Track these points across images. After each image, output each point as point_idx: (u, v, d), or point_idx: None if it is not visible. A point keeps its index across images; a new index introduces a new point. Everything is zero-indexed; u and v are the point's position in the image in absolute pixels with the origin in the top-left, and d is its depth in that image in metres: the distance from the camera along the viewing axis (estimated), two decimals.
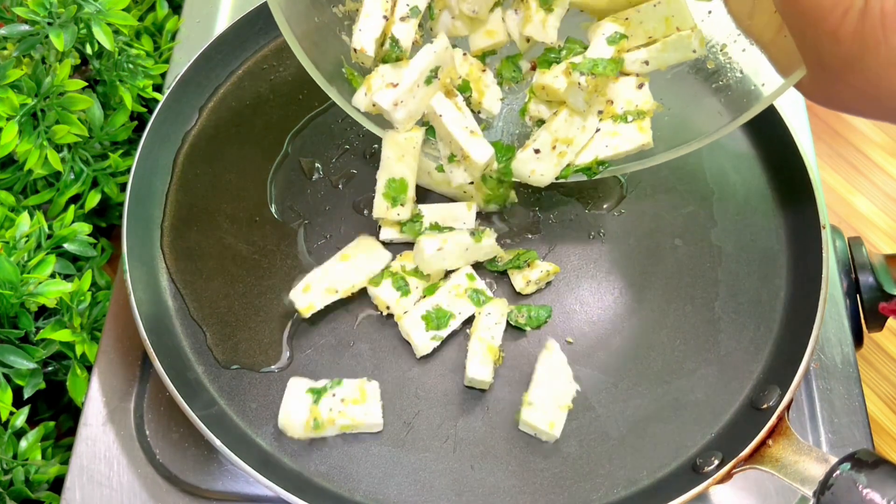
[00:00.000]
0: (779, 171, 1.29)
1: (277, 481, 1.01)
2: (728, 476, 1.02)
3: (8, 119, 1.19)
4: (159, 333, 1.14)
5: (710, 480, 1.01)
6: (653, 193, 1.29)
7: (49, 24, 1.20)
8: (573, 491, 1.07)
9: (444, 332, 1.12)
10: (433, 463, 1.08)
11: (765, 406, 1.08)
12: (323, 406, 1.06)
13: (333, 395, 1.07)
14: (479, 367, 1.08)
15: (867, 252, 1.33)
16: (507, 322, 1.15)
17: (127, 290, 1.12)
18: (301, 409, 1.06)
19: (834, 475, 0.93)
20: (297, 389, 1.07)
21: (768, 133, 1.31)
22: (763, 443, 1.03)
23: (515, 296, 1.19)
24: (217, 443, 1.02)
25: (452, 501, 1.06)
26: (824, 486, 0.94)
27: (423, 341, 1.11)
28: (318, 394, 1.07)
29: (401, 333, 1.14)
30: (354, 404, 1.07)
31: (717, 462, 1.04)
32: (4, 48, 1.23)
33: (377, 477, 1.07)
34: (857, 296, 1.30)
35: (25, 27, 1.21)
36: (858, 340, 1.28)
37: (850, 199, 1.73)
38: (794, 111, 1.44)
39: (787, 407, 1.06)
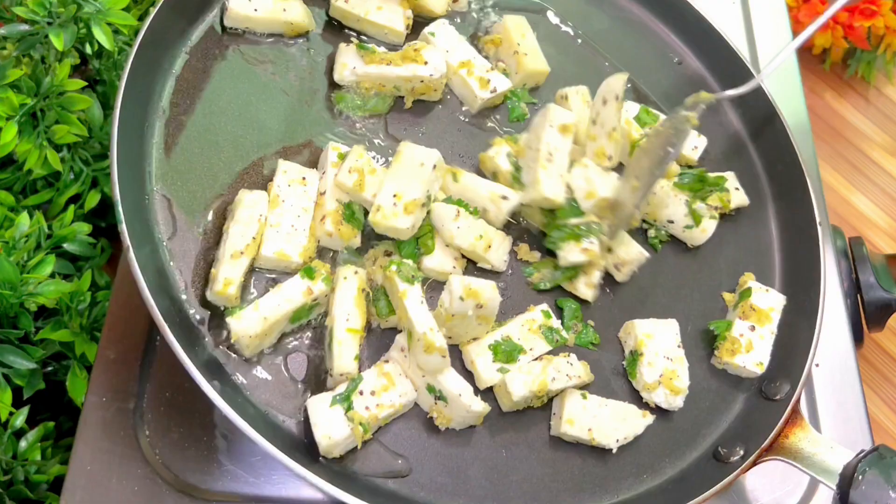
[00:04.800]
0: (775, 168, 1.30)
1: (305, 464, 0.95)
2: (752, 465, 1.04)
3: (8, 119, 1.19)
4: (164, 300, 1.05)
5: (738, 471, 1.02)
6: None
7: (49, 23, 1.20)
8: (602, 480, 1.07)
9: (513, 367, 1.07)
10: (464, 449, 1.06)
11: (777, 397, 1.09)
12: (359, 407, 0.99)
13: (361, 392, 1.00)
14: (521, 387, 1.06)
15: (868, 252, 1.33)
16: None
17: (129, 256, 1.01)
18: (338, 423, 0.98)
19: (858, 470, 0.94)
20: (321, 407, 0.99)
21: (767, 133, 1.31)
22: (781, 433, 1.04)
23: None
24: (241, 423, 0.94)
25: (485, 489, 1.05)
26: (849, 481, 0.95)
27: (489, 373, 1.06)
28: (346, 400, 1.00)
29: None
30: (386, 391, 1.01)
31: (742, 452, 1.05)
32: (4, 48, 1.23)
33: (409, 461, 1.05)
34: (858, 295, 1.30)
35: (25, 27, 1.21)
36: (859, 340, 1.28)
37: (851, 198, 1.73)
38: (795, 111, 1.45)
39: (798, 400, 1.07)
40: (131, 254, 1.00)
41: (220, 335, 1.05)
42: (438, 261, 1.11)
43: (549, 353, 1.10)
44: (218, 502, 1.10)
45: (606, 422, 1.06)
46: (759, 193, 1.29)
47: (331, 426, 0.98)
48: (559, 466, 1.07)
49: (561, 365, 1.07)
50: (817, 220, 1.21)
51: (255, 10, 1.21)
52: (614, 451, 1.07)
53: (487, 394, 1.09)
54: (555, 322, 1.12)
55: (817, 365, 1.23)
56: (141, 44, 1.11)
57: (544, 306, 1.13)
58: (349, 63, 1.20)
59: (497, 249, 1.13)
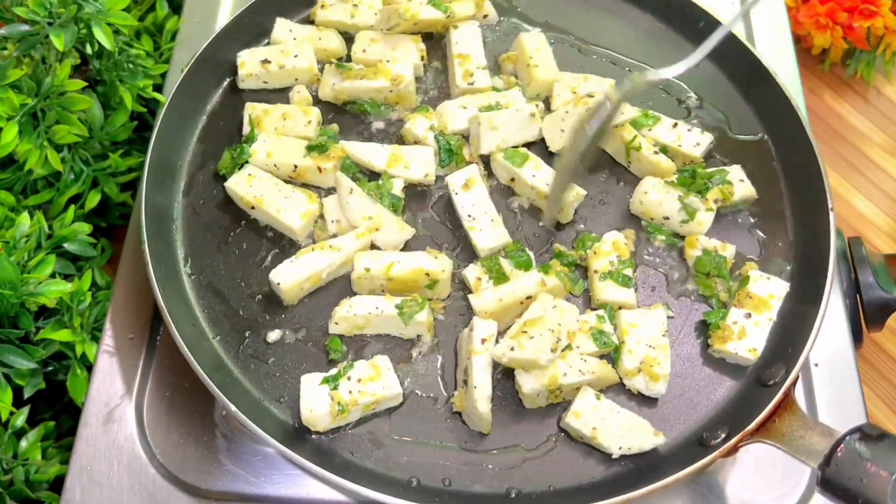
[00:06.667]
0: (790, 159, 1.31)
1: (298, 451, 1.01)
2: (734, 449, 1.04)
3: (8, 119, 1.19)
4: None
5: (716, 453, 1.02)
6: None
7: (49, 24, 1.20)
8: (580, 462, 1.08)
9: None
10: (441, 433, 1.09)
11: (771, 383, 1.09)
12: (342, 390, 1.07)
13: (349, 377, 1.08)
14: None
15: (867, 252, 1.33)
16: None
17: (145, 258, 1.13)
18: (321, 400, 1.07)
19: (839, 449, 0.94)
20: (312, 383, 1.08)
21: (780, 121, 1.32)
22: (770, 417, 1.04)
23: None
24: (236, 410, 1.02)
25: (460, 471, 1.06)
26: (829, 459, 0.94)
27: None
28: (334, 380, 1.08)
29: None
30: (371, 381, 1.08)
31: (723, 436, 1.05)
32: (4, 48, 1.23)
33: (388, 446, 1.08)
34: (857, 295, 1.30)
35: (25, 27, 1.21)
36: (858, 340, 1.28)
37: (850, 198, 1.73)
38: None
39: (793, 383, 1.07)
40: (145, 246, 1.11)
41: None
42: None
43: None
44: (218, 502, 1.11)
45: (613, 427, 1.07)
46: (770, 184, 1.29)
47: (314, 401, 1.07)
48: (539, 448, 1.08)
49: (574, 360, 1.08)
50: (830, 206, 1.21)
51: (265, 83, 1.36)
52: (614, 455, 1.07)
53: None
54: (607, 327, 1.13)
55: (816, 365, 1.23)
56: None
57: (600, 312, 1.15)
58: (330, 80, 1.30)
59: (389, 233, 1.20)
